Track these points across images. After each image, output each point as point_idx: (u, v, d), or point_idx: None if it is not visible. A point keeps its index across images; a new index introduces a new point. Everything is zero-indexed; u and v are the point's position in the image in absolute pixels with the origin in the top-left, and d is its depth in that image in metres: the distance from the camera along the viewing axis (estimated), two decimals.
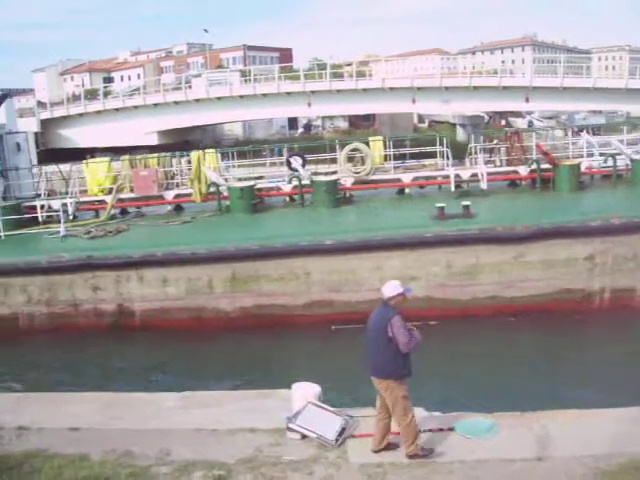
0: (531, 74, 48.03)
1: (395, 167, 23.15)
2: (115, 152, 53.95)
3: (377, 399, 8.27)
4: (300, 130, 73.40)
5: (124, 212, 22.40)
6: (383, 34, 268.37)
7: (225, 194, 21.39)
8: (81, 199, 22.13)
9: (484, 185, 20.74)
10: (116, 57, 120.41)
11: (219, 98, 53.49)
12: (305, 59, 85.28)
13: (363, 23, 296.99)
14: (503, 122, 75.79)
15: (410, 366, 8.02)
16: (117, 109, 56.20)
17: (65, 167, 24.31)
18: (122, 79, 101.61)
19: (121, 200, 22.22)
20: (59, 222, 20.42)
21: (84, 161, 23.81)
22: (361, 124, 72.81)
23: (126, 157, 23.37)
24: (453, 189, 21.12)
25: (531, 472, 7.65)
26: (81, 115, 56.53)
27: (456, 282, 17.67)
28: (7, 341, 17.48)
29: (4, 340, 17.47)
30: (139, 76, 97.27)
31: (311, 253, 17.89)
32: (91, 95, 63.88)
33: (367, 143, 23.13)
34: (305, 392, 9.15)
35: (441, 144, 23.35)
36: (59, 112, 57.21)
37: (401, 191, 22.44)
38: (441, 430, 8.66)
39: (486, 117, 66.47)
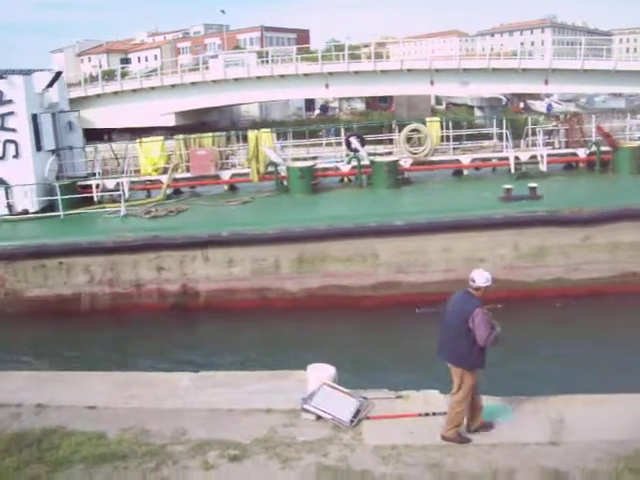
0: (550, 56, 47.41)
1: (454, 148, 23.16)
2: (132, 133, 54.16)
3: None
4: (317, 112, 73.08)
5: (177, 192, 22.45)
6: (399, 15, 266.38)
7: (282, 174, 21.48)
8: (132, 179, 22.16)
9: (544, 167, 21.04)
10: (133, 38, 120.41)
11: (236, 79, 53.32)
12: (321, 40, 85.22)
13: (379, 4, 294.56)
14: (521, 104, 75.16)
15: (485, 357, 8.01)
16: (134, 90, 56.21)
17: (119, 146, 24.49)
18: (139, 60, 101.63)
19: (176, 180, 22.22)
20: (112, 202, 20.68)
21: (137, 140, 23.64)
22: (378, 106, 72.34)
23: (180, 136, 23.29)
24: (513, 171, 21.30)
25: (545, 456, 7.64)
26: (99, 96, 56.57)
27: (522, 264, 17.61)
28: (69, 321, 17.50)
29: (66, 320, 17.47)
30: (156, 57, 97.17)
31: (380, 234, 17.84)
32: (108, 76, 63.91)
33: (424, 123, 23.03)
34: (320, 373, 9.18)
35: (500, 126, 23.31)
36: (76, 93, 57.13)
37: (458, 172, 22.59)
38: None
39: (504, 99, 65.88)
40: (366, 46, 60.61)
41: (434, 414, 8.61)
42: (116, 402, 9.46)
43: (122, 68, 67.81)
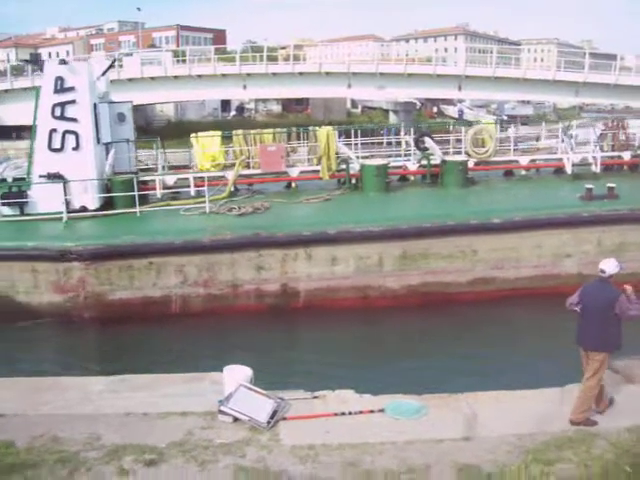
0: (464, 63, 48.70)
1: (514, 150, 23.86)
2: None
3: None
4: (233, 112, 72.69)
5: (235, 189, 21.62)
6: (317, 18, 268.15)
7: (352, 172, 21.47)
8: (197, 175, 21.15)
9: (597, 169, 22.23)
10: (44, 32, 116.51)
11: (153, 78, 52.31)
12: (238, 41, 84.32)
13: (295, 7, 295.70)
14: (435, 109, 77.05)
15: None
16: None
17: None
18: (50, 56, 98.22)
19: (246, 176, 21.65)
20: (172, 199, 20.00)
21: (193, 135, 22.49)
22: (294, 108, 72.75)
23: (239, 131, 22.42)
24: (570, 172, 22.23)
25: (458, 451, 7.88)
26: (6, 91, 54.44)
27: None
28: (156, 325, 16.48)
29: (153, 324, 16.47)
30: (68, 53, 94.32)
31: (479, 231, 18.34)
32: (17, 71, 61.57)
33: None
34: (237, 375, 9.16)
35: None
36: None
37: (508, 173, 23.32)
38: (371, 412, 8.82)
39: (418, 104, 67.36)
40: (283, 48, 60.69)
41: (350, 413, 8.73)
42: (25, 409, 9.14)
43: (32, 63, 65.39)
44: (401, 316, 16.98)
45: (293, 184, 22.15)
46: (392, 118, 63.05)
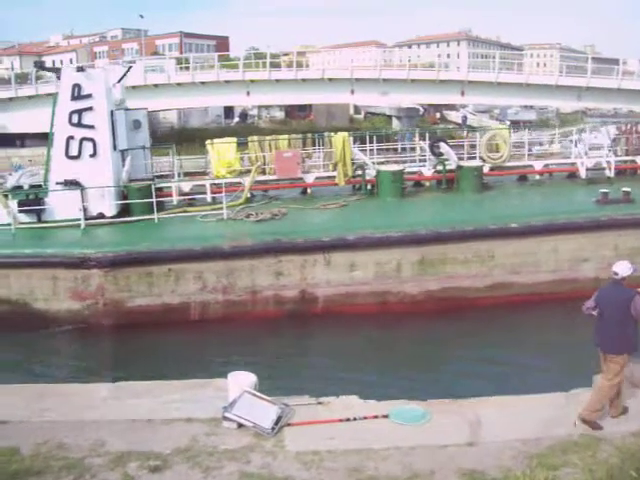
0: (466, 68, 48.72)
1: (528, 155, 24.16)
2: (47, 138, 52.42)
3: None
4: (236, 119, 72.81)
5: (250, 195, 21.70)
6: (319, 25, 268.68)
7: (368, 178, 21.57)
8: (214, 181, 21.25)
9: (611, 173, 22.43)
10: (47, 40, 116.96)
11: (156, 85, 52.41)
12: (241, 48, 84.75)
13: (298, 14, 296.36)
14: (438, 115, 77.07)
15: None
16: (50, 94, 54.46)
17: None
18: (54, 63, 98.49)
19: (261, 182, 21.75)
20: (189, 205, 20.12)
21: (208, 141, 22.65)
22: (297, 114, 72.86)
23: (255, 138, 22.63)
24: (584, 176, 22.49)
25: (463, 457, 7.86)
26: (11, 99, 54.62)
27: None
28: (175, 332, 16.46)
29: (171, 331, 16.45)
30: (72, 61, 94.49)
31: (497, 236, 18.38)
32: (21, 79, 61.75)
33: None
34: (241, 381, 9.16)
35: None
36: None
37: (522, 178, 23.54)
38: (375, 417, 8.81)
39: (421, 109, 67.36)
40: (286, 55, 60.79)
41: (354, 419, 8.73)
42: (30, 416, 9.14)
43: (37, 71, 65.73)
44: (418, 322, 17.02)
45: (309, 190, 22.18)
46: (395, 124, 63.06)
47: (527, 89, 44.69)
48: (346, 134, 22.56)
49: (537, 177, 23.45)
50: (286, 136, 23.45)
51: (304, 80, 49.94)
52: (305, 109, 71.37)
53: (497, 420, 8.75)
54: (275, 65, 53.38)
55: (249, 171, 21.50)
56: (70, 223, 18.85)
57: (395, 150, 27.17)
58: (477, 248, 18.37)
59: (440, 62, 53.25)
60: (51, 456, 7.99)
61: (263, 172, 21.87)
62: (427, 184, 22.85)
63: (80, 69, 20.05)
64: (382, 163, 23.12)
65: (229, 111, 73.26)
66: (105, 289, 17.23)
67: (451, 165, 22.14)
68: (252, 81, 50.65)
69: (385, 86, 48.44)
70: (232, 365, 14.05)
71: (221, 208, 19.30)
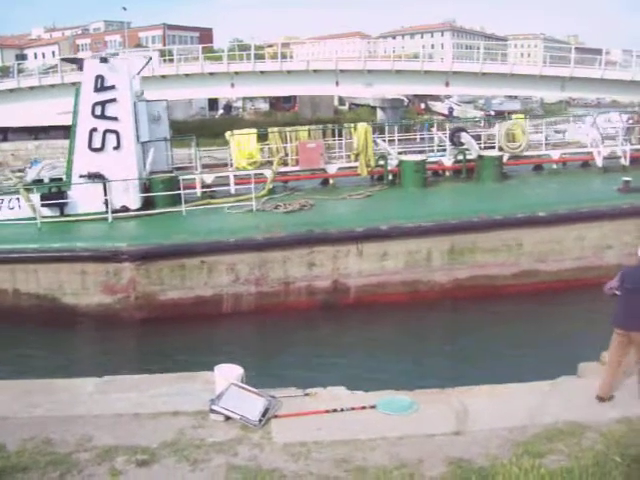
0: (451, 59, 48.83)
1: (545, 144, 24.40)
2: (29, 132, 51.93)
3: (614, 351, 8.79)
4: (220, 111, 72.47)
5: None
6: (303, 16, 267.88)
7: (390, 168, 21.66)
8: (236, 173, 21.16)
9: (626, 162, 22.96)
10: (29, 33, 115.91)
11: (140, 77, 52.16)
12: (225, 40, 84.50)
13: (283, 5, 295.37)
14: (422, 105, 77.12)
15: None
16: (32, 87, 54.02)
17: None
18: (36, 56, 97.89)
19: (284, 174, 21.75)
20: (210, 197, 20.07)
21: (228, 133, 22.46)
22: (282, 106, 72.65)
23: (275, 129, 22.57)
24: (600, 165, 22.88)
25: (450, 446, 7.89)
26: None
27: None
28: (208, 325, 16.38)
29: (204, 324, 16.35)
30: (54, 54, 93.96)
31: (525, 224, 18.61)
32: (3, 72, 61.17)
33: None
34: (228, 374, 9.15)
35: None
36: None
37: (537, 167, 23.87)
38: (363, 408, 8.82)
39: (406, 100, 67.38)
40: (270, 46, 60.62)
41: (342, 410, 8.74)
42: (16, 412, 9.08)
43: (18, 64, 65.15)
44: (446, 311, 17.38)
45: (331, 181, 22.22)
46: (380, 115, 63.04)
47: (511, 79, 44.82)
48: (367, 125, 22.63)
49: (554, 166, 23.71)
50: (306, 127, 23.43)
51: (289, 72, 49.82)
52: (290, 101, 71.20)
53: (484, 409, 8.78)
54: (259, 57, 53.20)
55: (269, 162, 21.54)
56: (94, 216, 18.70)
57: (414, 140, 27.16)
58: (505, 237, 18.67)
59: (424, 53, 53.21)
60: (37, 452, 7.93)
61: (285, 163, 21.87)
62: (447, 174, 22.99)
63: (104, 60, 19.70)
64: (400, 153, 23.23)
65: (213, 103, 72.84)
66: (137, 282, 17.13)
67: (471, 155, 22.28)
68: (236, 73, 50.47)
69: (370, 77, 48.44)
70: (264, 356, 14.66)
71: (246, 200, 19.26)
